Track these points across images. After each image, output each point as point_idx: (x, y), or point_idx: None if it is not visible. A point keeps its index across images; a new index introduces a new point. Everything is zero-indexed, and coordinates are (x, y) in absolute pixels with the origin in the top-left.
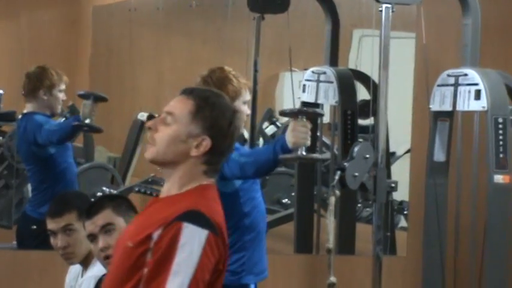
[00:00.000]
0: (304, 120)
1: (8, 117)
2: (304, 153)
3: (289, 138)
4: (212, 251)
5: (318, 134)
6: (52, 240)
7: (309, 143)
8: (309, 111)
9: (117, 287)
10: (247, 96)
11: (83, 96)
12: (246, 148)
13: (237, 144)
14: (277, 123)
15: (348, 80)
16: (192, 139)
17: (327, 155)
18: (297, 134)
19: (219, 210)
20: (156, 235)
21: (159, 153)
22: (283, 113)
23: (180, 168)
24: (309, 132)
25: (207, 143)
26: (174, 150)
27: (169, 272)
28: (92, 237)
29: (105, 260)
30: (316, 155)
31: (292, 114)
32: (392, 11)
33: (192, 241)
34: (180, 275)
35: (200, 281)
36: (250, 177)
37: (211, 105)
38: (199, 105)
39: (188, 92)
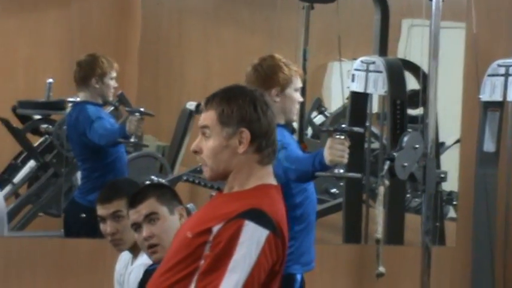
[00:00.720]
0: (342, 137)
1: (58, 106)
2: (341, 171)
3: (326, 155)
4: (271, 252)
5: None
6: (101, 226)
7: (346, 161)
8: (345, 130)
9: (171, 275)
10: (298, 83)
11: (130, 112)
12: (294, 147)
13: (288, 139)
14: (326, 113)
15: (397, 70)
16: (232, 140)
17: (359, 175)
18: (333, 152)
19: (282, 210)
20: (216, 229)
21: (213, 169)
22: (321, 131)
23: (235, 167)
24: (347, 150)
25: (246, 134)
26: (222, 159)
27: (226, 268)
28: (136, 226)
29: (149, 249)
30: (352, 174)
31: (329, 132)
32: (442, 1)
33: (252, 239)
34: (236, 272)
35: (256, 280)
36: (293, 181)
37: (228, 103)
38: (219, 109)
39: (206, 105)
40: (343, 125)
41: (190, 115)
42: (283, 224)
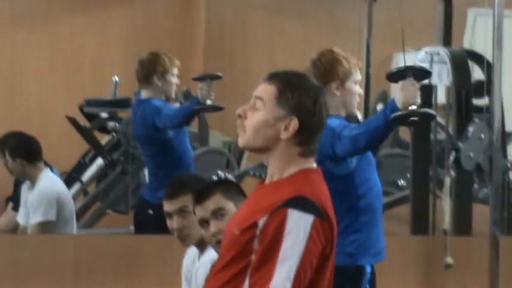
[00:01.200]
0: (412, 79)
1: (124, 103)
2: (414, 107)
3: (399, 97)
4: (319, 236)
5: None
6: (168, 222)
7: (419, 101)
8: (416, 67)
9: (225, 272)
10: (358, 76)
11: (198, 79)
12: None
13: (346, 122)
14: None
15: (462, 60)
16: (280, 122)
17: (432, 111)
18: (406, 93)
19: (325, 193)
20: (261, 222)
21: (249, 139)
22: (390, 75)
23: (274, 153)
24: (418, 91)
25: (294, 123)
26: (263, 135)
27: (276, 260)
28: (203, 222)
29: (217, 244)
30: (427, 110)
31: (400, 72)
32: None
33: (298, 227)
34: (287, 263)
35: (308, 266)
36: (363, 149)
37: (293, 87)
38: (281, 89)
39: (270, 78)
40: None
41: None
42: (328, 206)
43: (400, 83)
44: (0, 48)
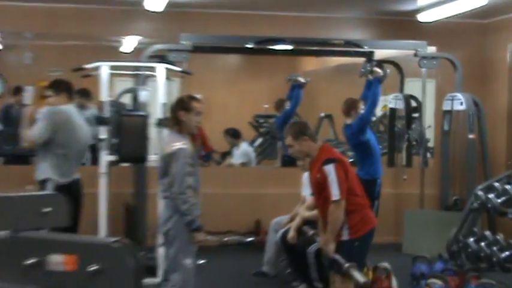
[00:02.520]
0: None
1: (271, 116)
2: None
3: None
4: (340, 168)
5: None
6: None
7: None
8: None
9: (317, 198)
10: None
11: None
12: None
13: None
14: None
15: (408, 99)
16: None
17: None
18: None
19: (336, 152)
20: (318, 176)
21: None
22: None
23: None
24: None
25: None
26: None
27: (329, 186)
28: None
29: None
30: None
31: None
32: None
33: (331, 169)
34: (334, 184)
35: (342, 178)
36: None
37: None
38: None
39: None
40: None
41: None
42: (340, 156)
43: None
44: (216, 98)
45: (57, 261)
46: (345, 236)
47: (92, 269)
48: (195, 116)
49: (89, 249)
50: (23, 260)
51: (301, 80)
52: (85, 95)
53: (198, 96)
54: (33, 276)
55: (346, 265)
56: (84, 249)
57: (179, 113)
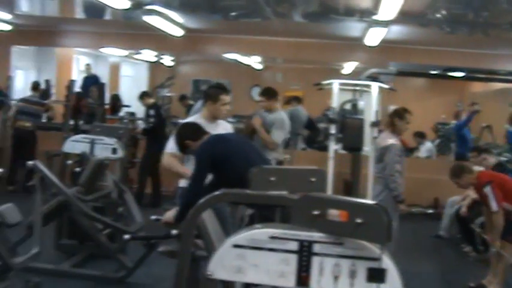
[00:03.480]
0: None
1: None
2: None
3: None
4: (495, 187)
5: None
6: None
7: None
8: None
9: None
10: None
11: None
12: None
13: None
14: None
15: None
16: None
17: None
18: None
19: (487, 175)
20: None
21: None
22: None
23: None
24: None
25: None
26: None
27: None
28: None
29: None
30: None
31: None
32: None
33: (488, 190)
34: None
35: (497, 195)
36: None
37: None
38: None
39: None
40: None
41: None
42: (493, 176)
43: None
44: (418, 107)
45: (334, 214)
46: None
47: (358, 221)
48: (405, 123)
49: (357, 208)
50: (311, 211)
51: (477, 108)
52: (298, 100)
53: (409, 109)
54: (318, 224)
55: None
56: (353, 207)
57: (395, 119)
